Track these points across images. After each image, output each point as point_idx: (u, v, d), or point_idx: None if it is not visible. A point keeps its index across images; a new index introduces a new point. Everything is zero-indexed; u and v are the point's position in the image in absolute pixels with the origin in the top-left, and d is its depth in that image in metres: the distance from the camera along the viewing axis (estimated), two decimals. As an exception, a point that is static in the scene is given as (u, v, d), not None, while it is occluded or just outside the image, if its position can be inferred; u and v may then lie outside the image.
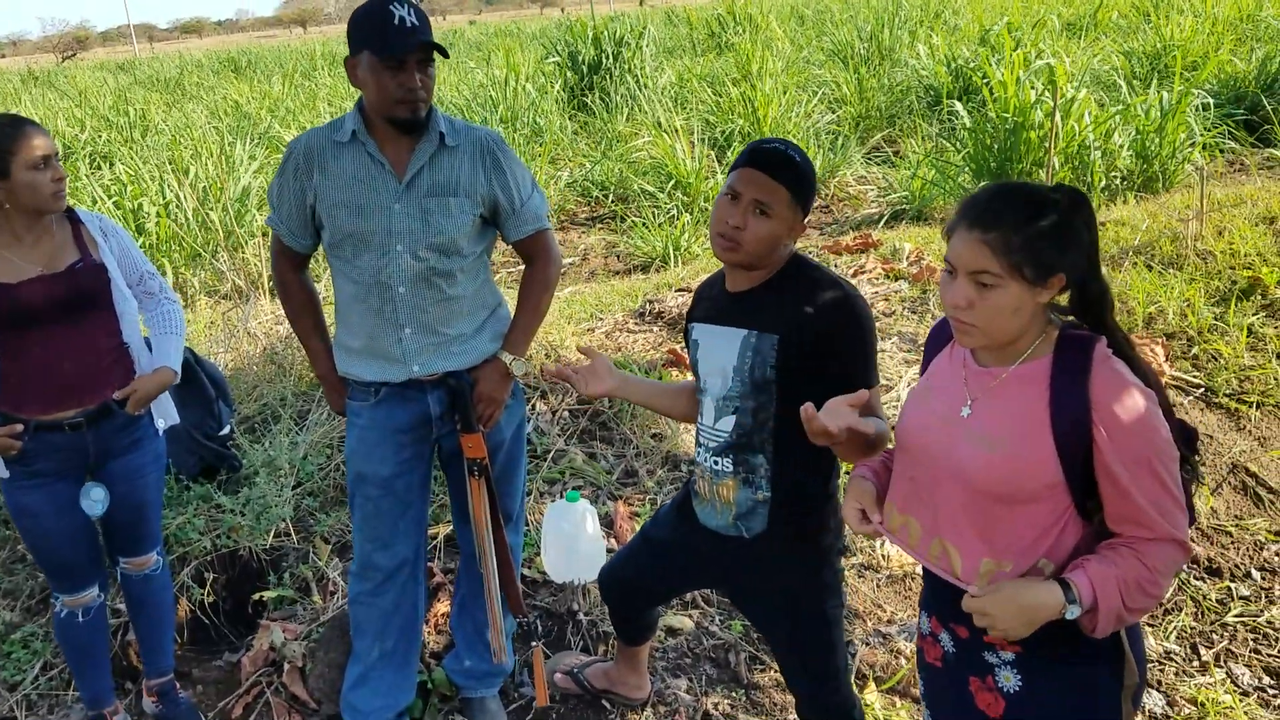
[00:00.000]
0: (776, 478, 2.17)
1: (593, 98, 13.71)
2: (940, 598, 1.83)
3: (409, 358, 2.53)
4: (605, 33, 14.43)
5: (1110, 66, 11.62)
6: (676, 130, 10.31)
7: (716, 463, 2.23)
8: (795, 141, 10.48)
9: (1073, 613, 1.57)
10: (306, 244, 2.61)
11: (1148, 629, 3.22)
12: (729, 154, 10.18)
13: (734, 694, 3.06)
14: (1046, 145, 7.26)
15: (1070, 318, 1.75)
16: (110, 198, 7.84)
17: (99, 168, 9.93)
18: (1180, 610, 3.29)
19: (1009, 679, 1.75)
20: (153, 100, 18.05)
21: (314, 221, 2.54)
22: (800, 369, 2.04)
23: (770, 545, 2.23)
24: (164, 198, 7.88)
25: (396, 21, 2.30)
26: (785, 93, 12.26)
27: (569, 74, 14.48)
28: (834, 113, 12.45)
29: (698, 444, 2.30)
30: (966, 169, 8.16)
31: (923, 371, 1.96)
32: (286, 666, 3.07)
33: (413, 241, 2.44)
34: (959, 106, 9.14)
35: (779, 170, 2.05)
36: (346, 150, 2.47)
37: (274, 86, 18.61)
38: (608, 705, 2.99)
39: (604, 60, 14.13)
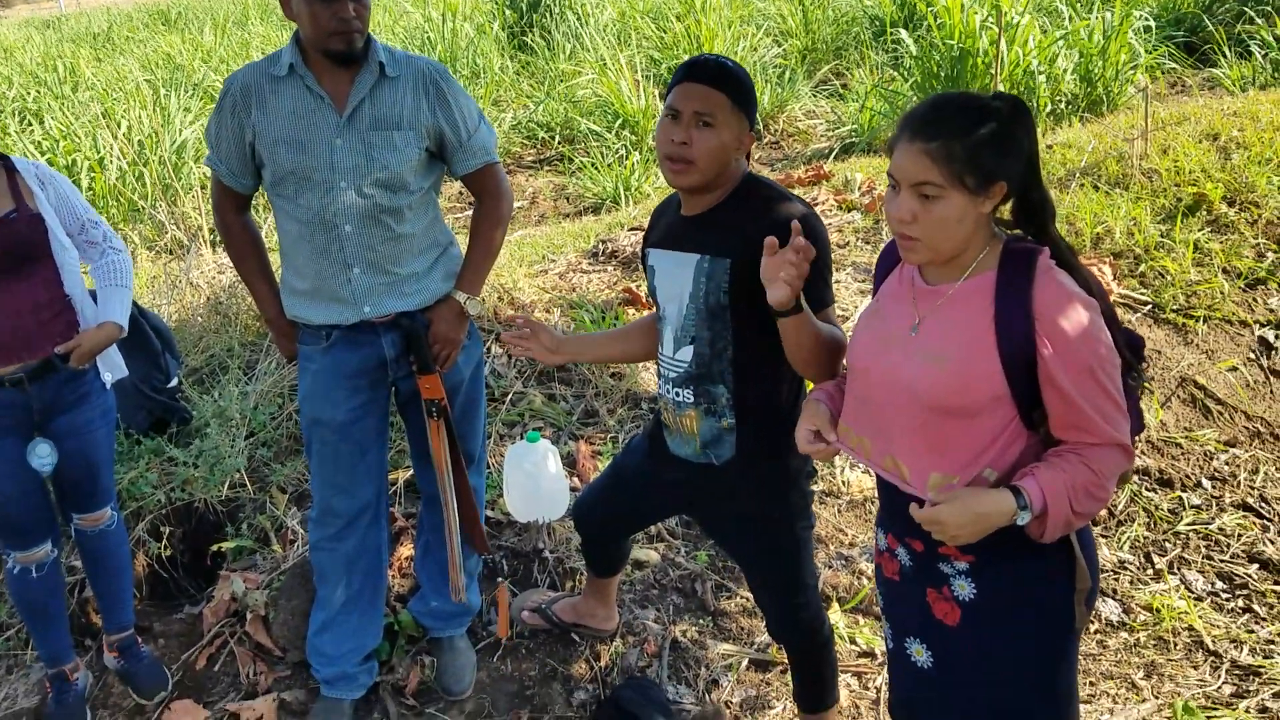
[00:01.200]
0: (739, 406, 2.16)
1: (533, 36, 13.43)
2: (896, 514, 1.85)
3: (359, 298, 2.48)
4: (543, -31, 14.10)
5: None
6: (620, 67, 10.16)
7: (678, 394, 2.22)
8: (742, 76, 10.45)
9: (1024, 518, 1.60)
10: (247, 184, 2.53)
11: (1101, 540, 3.30)
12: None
13: (701, 621, 3.09)
14: (992, 72, 7.27)
15: (1015, 231, 1.76)
16: (43, 154, 7.58)
17: (29, 125, 9.58)
18: (1133, 521, 3.37)
19: (964, 588, 1.78)
20: (82, 55, 17.38)
21: (254, 160, 2.46)
22: (754, 292, 2.00)
23: (739, 470, 2.23)
24: (97, 152, 7.64)
25: None
26: (730, 27, 12.13)
27: (508, 12, 14.16)
28: (780, 46, 12.35)
29: (659, 374, 2.28)
30: (914, 98, 8.13)
31: (874, 296, 1.96)
32: (249, 615, 3.05)
33: (357, 177, 2.38)
34: (904, 35, 9.07)
35: (715, 79, 2.03)
36: (284, 85, 2.39)
37: (206, 37, 18.03)
38: (577, 639, 3.01)
39: (542, -2, 13.84)
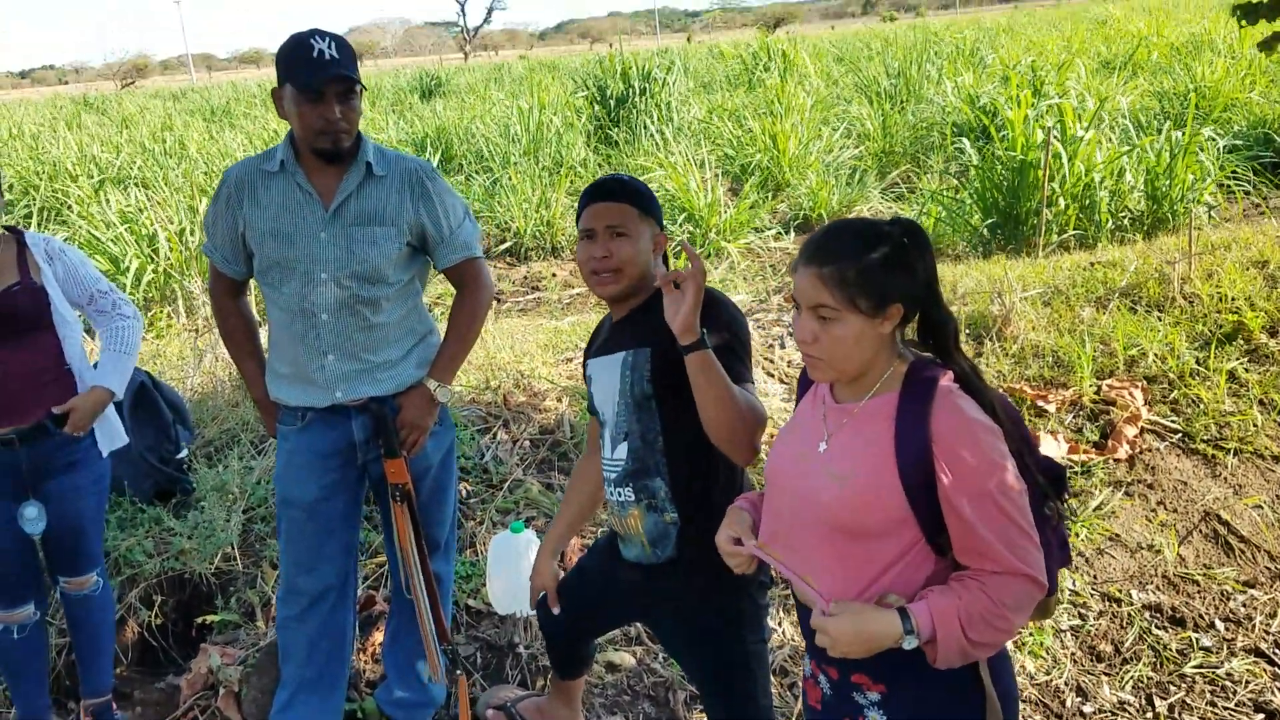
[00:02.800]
0: (679, 498, 2.17)
1: (618, 131, 13.81)
2: (815, 640, 1.80)
3: (332, 384, 2.54)
4: (634, 68, 14.55)
5: (1142, 107, 11.51)
6: (690, 164, 10.34)
7: (620, 494, 2.22)
8: (814, 175, 10.48)
9: (909, 643, 1.57)
10: (239, 270, 2.64)
11: (1104, 677, 3.14)
12: (745, 187, 10.20)
13: (671, 733, 3.01)
14: (1051, 185, 7.20)
15: (926, 354, 1.76)
16: (124, 222, 8.00)
17: (127, 191, 10.14)
18: (1138, 659, 3.20)
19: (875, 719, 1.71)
20: (195, 127, 18.45)
21: (245, 249, 2.57)
22: (675, 377, 2.04)
23: (684, 571, 2.21)
24: (180, 223, 8.03)
25: (315, 54, 2.34)
26: (807, 128, 12.29)
27: (596, 107, 14.61)
28: (857, 148, 12.46)
29: (604, 480, 2.29)
30: (975, 206, 8.09)
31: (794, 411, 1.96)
32: (222, 690, 3.06)
33: (336, 269, 2.46)
34: (966, 144, 9.08)
35: (618, 195, 2.18)
36: (276, 180, 2.51)
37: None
38: (541, 741, 2.95)
39: (631, 95, 14.24)
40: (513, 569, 3.03)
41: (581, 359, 4.71)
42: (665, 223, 2.33)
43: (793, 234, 9.62)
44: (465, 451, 3.95)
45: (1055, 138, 7.40)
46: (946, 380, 1.66)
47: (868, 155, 12.30)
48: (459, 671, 2.78)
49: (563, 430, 4.10)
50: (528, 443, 3.98)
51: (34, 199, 11.17)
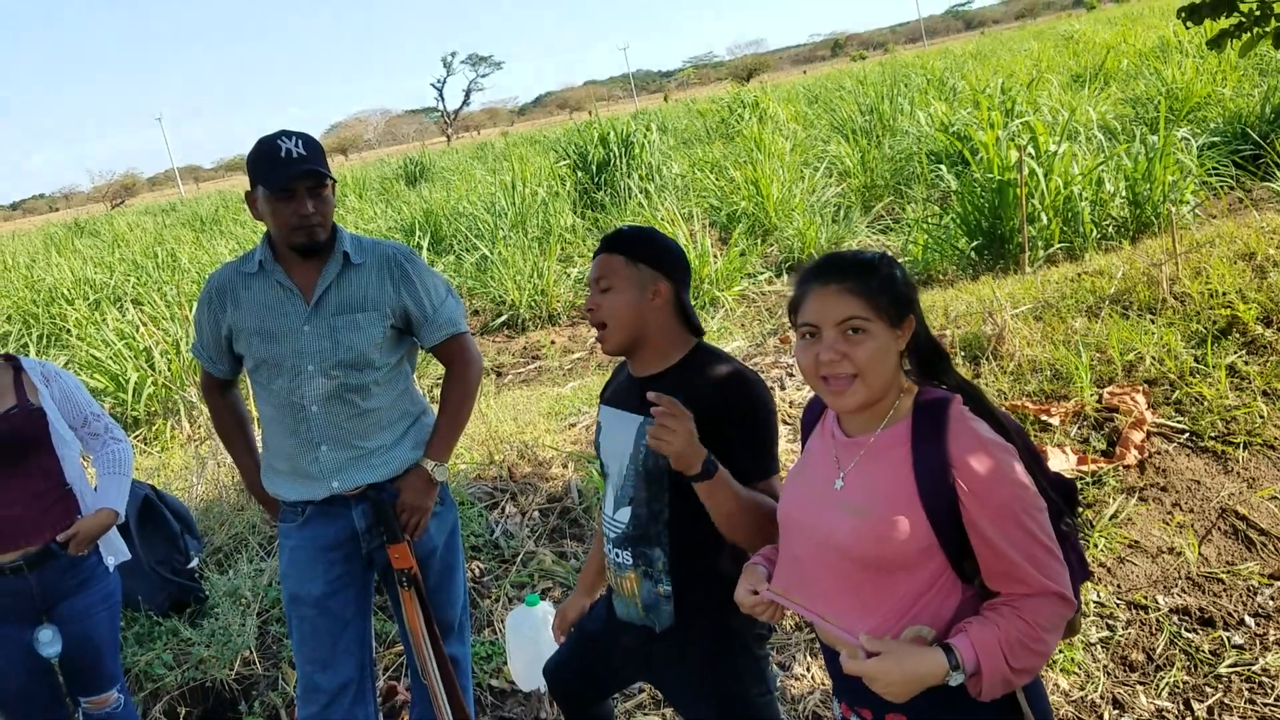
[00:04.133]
0: (676, 571, 2.11)
1: (602, 194, 13.98)
2: (844, 682, 1.78)
3: (327, 474, 2.54)
4: (612, 132, 14.78)
5: (1116, 115, 11.63)
6: (676, 218, 10.44)
7: (618, 555, 2.19)
8: (799, 216, 10.54)
9: (956, 679, 1.53)
10: (224, 370, 2.67)
11: (1139, 686, 3.08)
12: (734, 234, 10.28)
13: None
14: (1031, 201, 7.26)
15: (935, 382, 1.74)
16: (121, 339, 8.08)
17: (123, 309, 10.26)
18: (1172, 665, 3.14)
19: None
20: (185, 239, 18.70)
21: (230, 351, 2.60)
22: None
23: (683, 637, 2.16)
24: (175, 335, 8.11)
25: (284, 154, 2.39)
26: (788, 171, 12.43)
27: (579, 174, 14.82)
28: (839, 186, 12.58)
29: (603, 534, 2.26)
30: (959, 230, 8.14)
31: (801, 451, 1.94)
32: (254, 798, 3.03)
33: (322, 360, 2.48)
34: (944, 170, 9.16)
35: (610, 245, 2.14)
36: (256, 280, 2.54)
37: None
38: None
39: (612, 158, 14.45)
40: (532, 643, 3.00)
41: (586, 423, 4.72)
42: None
43: (784, 276, 9.67)
44: (474, 529, 3.93)
45: (1029, 155, 7.47)
46: (957, 404, 1.64)
47: (850, 192, 12.41)
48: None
49: (571, 497, 4.09)
50: (537, 513, 3.98)
51: (31, 327, 11.31)
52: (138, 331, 8.10)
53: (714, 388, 2.05)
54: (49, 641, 2.68)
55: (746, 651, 2.19)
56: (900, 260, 1.81)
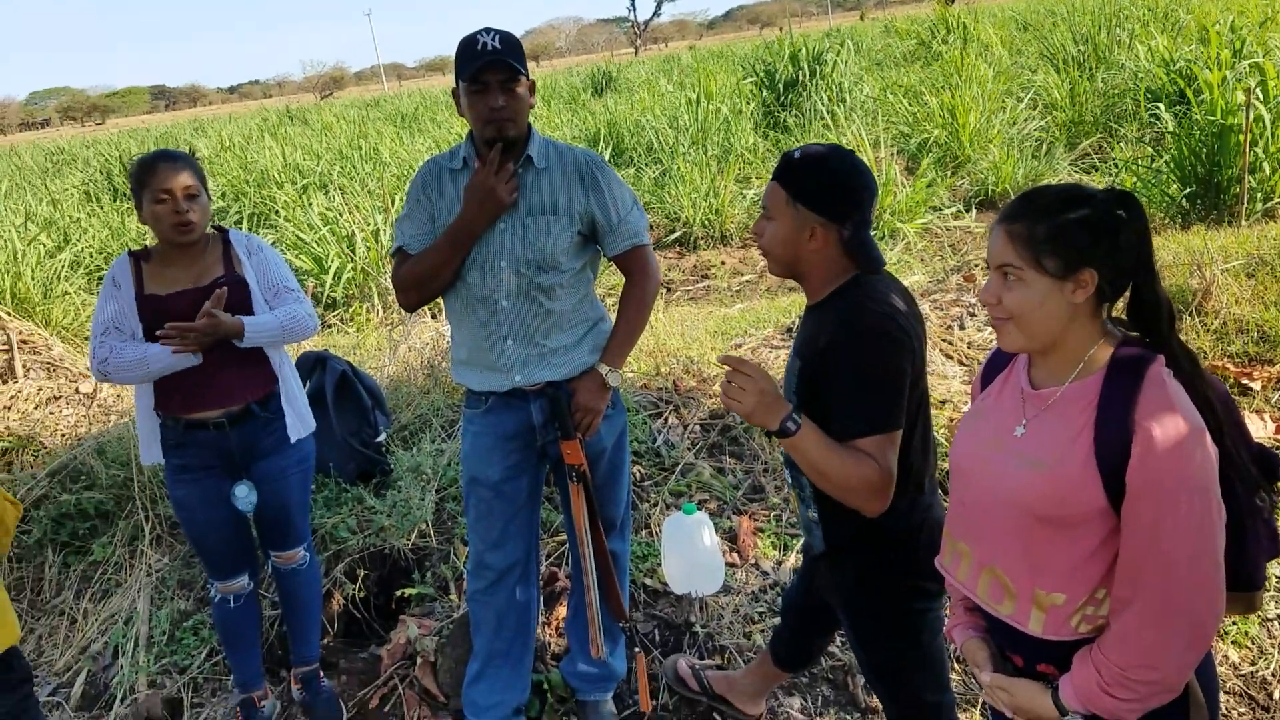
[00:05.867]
0: (820, 499, 2.12)
1: (788, 115, 13.70)
2: (1000, 650, 1.79)
3: (511, 368, 2.66)
4: (803, 50, 14.38)
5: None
6: (863, 142, 10.15)
7: (788, 472, 2.24)
8: (996, 149, 10.08)
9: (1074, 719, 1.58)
10: None
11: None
12: (922, 165, 9.94)
13: (849, 717, 3.00)
14: (1255, 149, 6.70)
15: (1134, 333, 1.66)
16: (326, 224, 8.56)
17: (328, 194, 10.82)
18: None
19: None
20: (386, 134, 19.45)
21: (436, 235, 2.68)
22: (810, 399, 2.00)
23: (832, 564, 2.21)
24: (374, 225, 8.53)
25: (480, 48, 2.46)
26: (988, 100, 11.84)
27: (765, 93, 14.54)
28: (1043, 119, 11.92)
29: None
30: (1171, 175, 7.60)
31: (978, 398, 1.90)
32: (419, 661, 3.25)
33: (514, 258, 2.57)
34: (1162, 110, 8.52)
35: (779, 174, 2.04)
36: (459, 177, 2.64)
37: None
38: (718, 718, 3.01)
39: (800, 77, 14.10)
40: (686, 549, 3.10)
41: (751, 344, 4.74)
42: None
43: (973, 211, 9.31)
44: (638, 436, 4.04)
45: (1257, 99, 6.87)
46: (1158, 366, 1.55)
47: (1055, 126, 11.75)
48: (637, 648, 2.86)
49: (732, 416, 4.14)
50: (698, 427, 4.05)
51: (244, 205, 12.08)
52: (340, 217, 8.56)
53: (830, 332, 1.97)
54: (244, 496, 2.92)
55: (889, 599, 2.17)
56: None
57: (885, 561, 2.13)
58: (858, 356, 1.92)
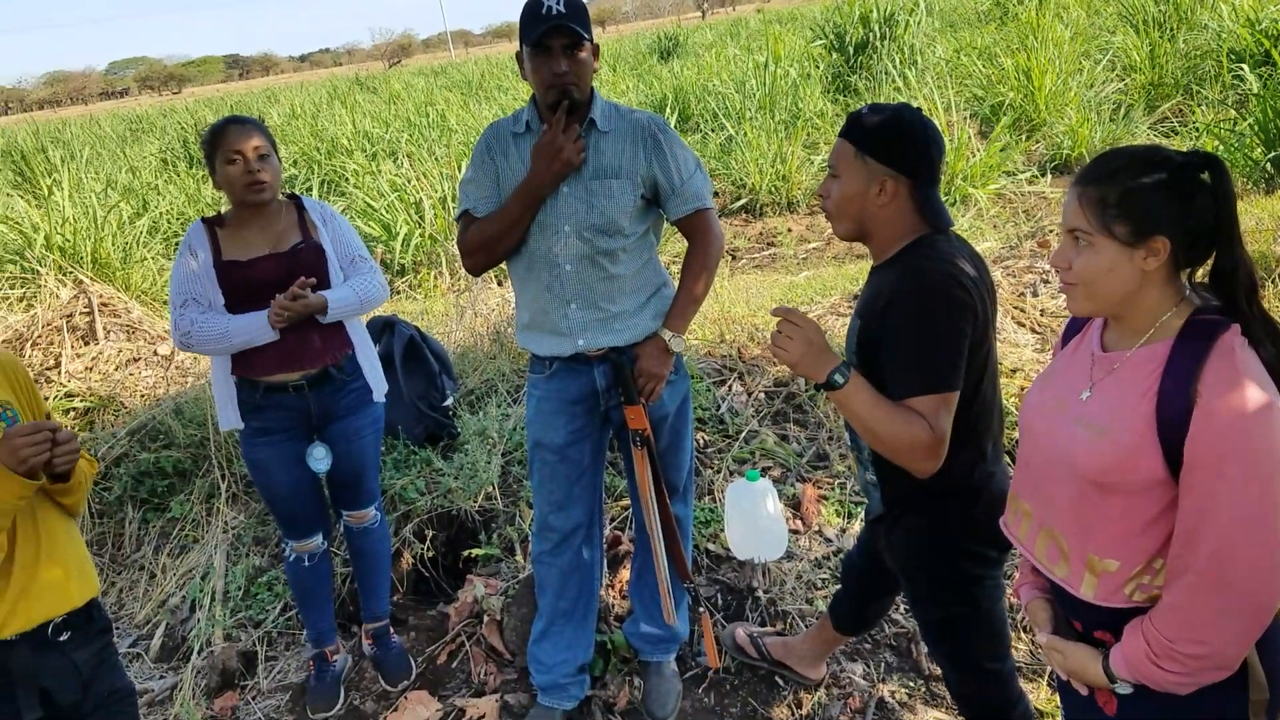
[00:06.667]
0: (878, 461, 2.12)
1: (856, 78, 13.46)
2: (1060, 593, 1.77)
3: (575, 331, 2.67)
4: (874, 11, 14.10)
5: None
6: (935, 105, 9.93)
7: (849, 437, 2.23)
8: (1073, 112, 9.80)
9: (1124, 688, 1.57)
10: None
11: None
12: (996, 128, 9.71)
13: (912, 684, 3.00)
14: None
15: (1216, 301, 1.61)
16: (394, 191, 8.65)
17: (398, 162, 10.94)
18: None
19: (1125, 687, 1.66)
20: (453, 101, 19.57)
21: (502, 198, 2.67)
22: (868, 358, 1.99)
23: (890, 525, 2.21)
24: (441, 192, 8.60)
25: (544, 11, 2.45)
26: (1065, 62, 11.50)
27: (834, 55, 14.30)
28: (1122, 81, 11.54)
29: None
30: (1255, 139, 7.32)
31: (1055, 356, 1.88)
32: (486, 619, 3.32)
33: (577, 222, 2.58)
34: (1246, 71, 8.20)
35: (846, 129, 2.02)
36: (523, 140, 2.65)
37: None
38: (780, 681, 3.02)
39: (871, 39, 13.82)
40: (750, 515, 3.11)
41: (818, 313, 4.70)
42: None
43: (1049, 176, 9.08)
44: (702, 402, 4.05)
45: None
46: (1232, 334, 1.49)
47: (1134, 88, 11.37)
48: (701, 609, 2.87)
49: (798, 383, 4.12)
50: (762, 395, 4.03)
51: (314, 173, 12.27)
52: (409, 184, 8.64)
53: (890, 290, 1.94)
54: (320, 458, 2.98)
55: (946, 560, 2.16)
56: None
57: (942, 523, 2.12)
58: (915, 315, 1.90)
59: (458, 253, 3.18)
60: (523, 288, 2.75)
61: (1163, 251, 1.52)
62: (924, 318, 1.90)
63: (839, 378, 1.89)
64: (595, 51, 2.57)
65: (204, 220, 2.92)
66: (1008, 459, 2.23)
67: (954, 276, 1.91)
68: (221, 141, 2.80)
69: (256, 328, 2.80)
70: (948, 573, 2.17)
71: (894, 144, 1.97)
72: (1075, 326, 1.83)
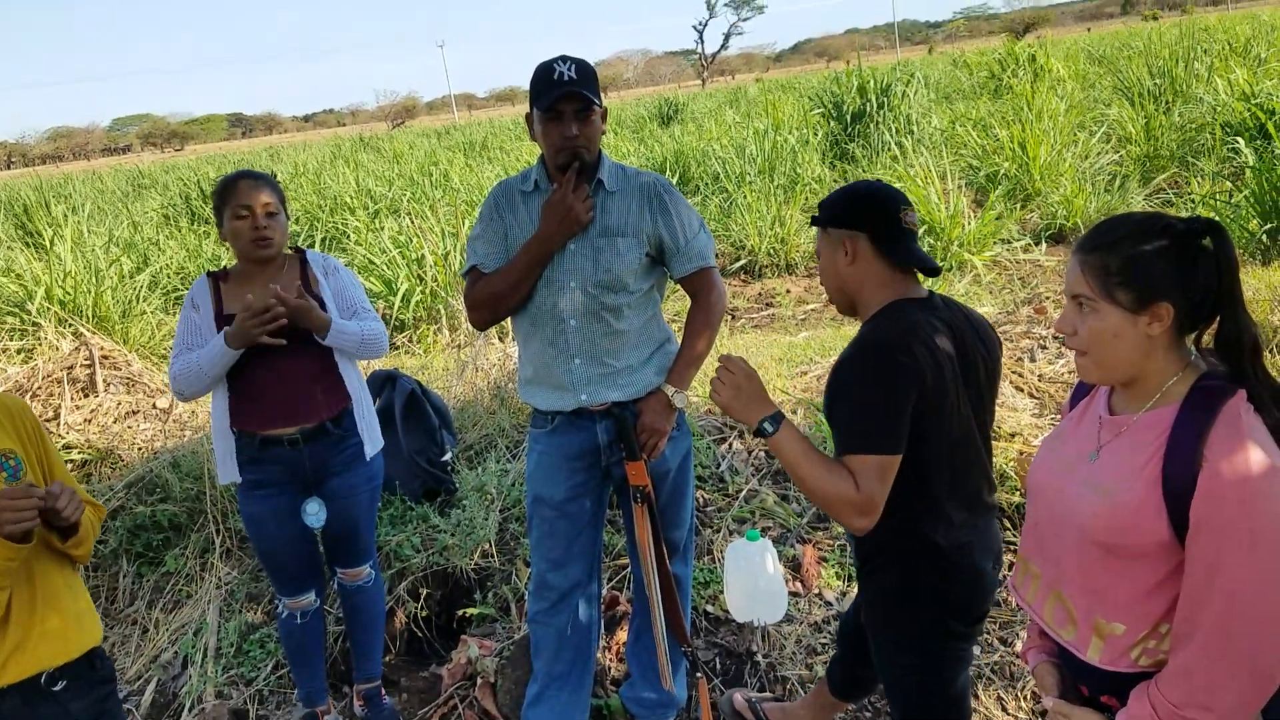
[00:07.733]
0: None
1: (855, 146, 13.66)
2: (1066, 657, 1.75)
3: (578, 386, 2.67)
4: (871, 82, 14.36)
5: None
6: (931, 175, 10.06)
7: None
8: (1067, 182, 9.94)
9: None
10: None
11: None
12: (991, 197, 9.82)
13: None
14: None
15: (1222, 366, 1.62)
16: (396, 248, 8.71)
17: (399, 220, 11.03)
18: None
19: None
20: (456, 161, 19.80)
21: (509, 255, 2.68)
22: (828, 416, 2.06)
23: (862, 579, 2.23)
24: (444, 248, 8.66)
25: (555, 77, 2.49)
26: (1060, 133, 11.68)
27: (832, 123, 14.53)
28: (1117, 153, 11.71)
29: None
30: (1251, 210, 7.42)
31: (1064, 418, 1.89)
32: (479, 681, 3.26)
33: (583, 278, 2.60)
34: (1241, 144, 8.33)
35: (812, 218, 2.17)
36: (531, 198, 2.68)
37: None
38: (779, 749, 2.97)
39: (868, 109, 14.06)
40: (749, 576, 3.08)
41: (818, 372, 4.71)
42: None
43: (1044, 244, 9.17)
44: (702, 460, 4.03)
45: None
46: (1238, 400, 1.49)
47: (1129, 160, 11.54)
48: (699, 675, 2.83)
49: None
50: (762, 454, 4.02)
51: (317, 229, 12.36)
52: (410, 242, 8.71)
53: (845, 351, 2.04)
54: (315, 513, 2.95)
55: (914, 623, 2.15)
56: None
57: (912, 585, 2.12)
58: (855, 373, 1.96)
59: (459, 308, 3.20)
60: (527, 343, 2.76)
61: (1166, 317, 1.53)
62: (863, 380, 1.95)
63: (768, 426, 1.97)
64: (604, 115, 2.62)
65: (209, 274, 2.94)
66: (1008, 524, 2.22)
67: (901, 343, 1.95)
68: (232, 195, 2.82)
69: (216, 345, 2.77)
70: (913, 636, 2.16)
71: (841, 206, 2.11)
72: (1084, 389, 1.83)
